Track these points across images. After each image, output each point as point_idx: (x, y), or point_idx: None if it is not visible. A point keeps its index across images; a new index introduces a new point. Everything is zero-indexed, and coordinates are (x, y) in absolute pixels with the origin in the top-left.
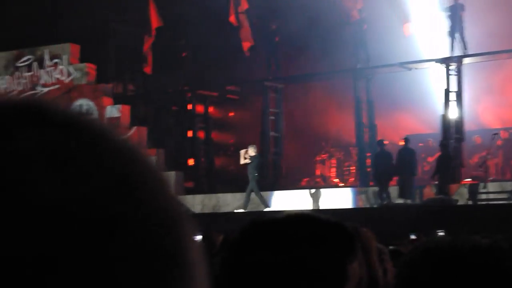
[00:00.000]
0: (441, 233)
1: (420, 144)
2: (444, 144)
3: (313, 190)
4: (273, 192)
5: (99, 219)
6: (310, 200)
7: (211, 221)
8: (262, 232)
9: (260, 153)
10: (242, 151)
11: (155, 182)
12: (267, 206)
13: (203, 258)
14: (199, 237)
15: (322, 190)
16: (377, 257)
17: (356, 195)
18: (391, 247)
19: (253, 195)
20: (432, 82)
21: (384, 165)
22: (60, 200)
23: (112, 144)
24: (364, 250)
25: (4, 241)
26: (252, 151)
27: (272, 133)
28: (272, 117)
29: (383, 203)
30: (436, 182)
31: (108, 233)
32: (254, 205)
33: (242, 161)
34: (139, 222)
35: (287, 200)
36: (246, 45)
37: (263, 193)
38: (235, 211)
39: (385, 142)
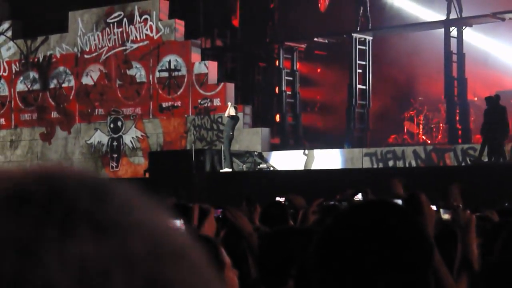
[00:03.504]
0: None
1: None
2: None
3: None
4: (362, 149)
5: None
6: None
7: (296, 178)
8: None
9: (237, 114)
10: (229, 103)
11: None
12: (230, 167)
13: None
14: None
15: (409, 148)
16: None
17: (444, 153)
18: (478, 214)
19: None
20: None
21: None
22: None
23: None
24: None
25: None
26: (232, 111)
27: (359, 86)
28: (360, 70)
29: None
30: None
31: None
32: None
33: (226, 114)
34: None
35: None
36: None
37: (348, 149)
38: (221, 171)
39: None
